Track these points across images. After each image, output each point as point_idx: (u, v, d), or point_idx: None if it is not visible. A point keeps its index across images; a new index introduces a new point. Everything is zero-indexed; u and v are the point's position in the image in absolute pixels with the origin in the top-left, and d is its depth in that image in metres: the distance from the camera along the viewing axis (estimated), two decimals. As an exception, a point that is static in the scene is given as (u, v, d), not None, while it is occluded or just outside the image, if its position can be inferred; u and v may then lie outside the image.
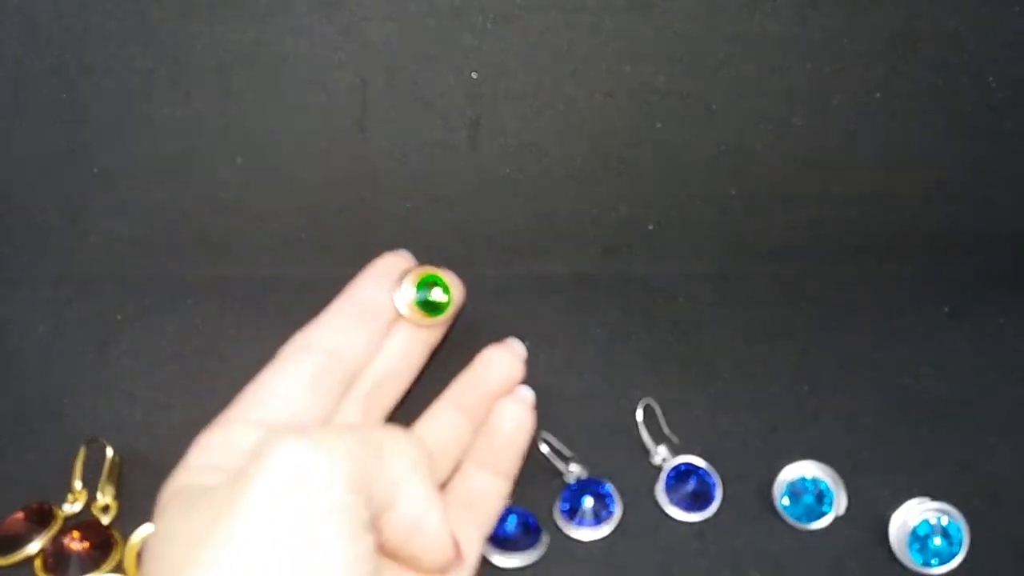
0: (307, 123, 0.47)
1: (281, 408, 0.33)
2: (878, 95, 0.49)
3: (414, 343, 0.38)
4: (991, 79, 0.49)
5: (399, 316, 0.37)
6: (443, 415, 0.37)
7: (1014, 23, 0.47)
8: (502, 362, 0.37)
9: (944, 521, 0.38)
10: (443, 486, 0.37)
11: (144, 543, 0.27)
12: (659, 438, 0.42)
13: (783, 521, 0.39)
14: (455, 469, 0.37)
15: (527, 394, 0.36)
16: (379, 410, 0.37)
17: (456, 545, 0.30)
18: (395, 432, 0.29)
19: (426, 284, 0.37)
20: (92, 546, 0.37)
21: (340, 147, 0.48)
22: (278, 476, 0.24)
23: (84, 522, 0.38)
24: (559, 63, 0.47)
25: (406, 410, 0.39)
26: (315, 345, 0.35)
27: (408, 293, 0.37)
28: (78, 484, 0.39)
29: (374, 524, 0.27)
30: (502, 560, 0.37)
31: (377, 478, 0.26)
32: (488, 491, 0.35)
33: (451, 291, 0.38)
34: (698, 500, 0.39)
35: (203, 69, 0.46)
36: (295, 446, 0.25)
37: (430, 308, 0.37)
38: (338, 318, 0.36)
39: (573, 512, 0.39)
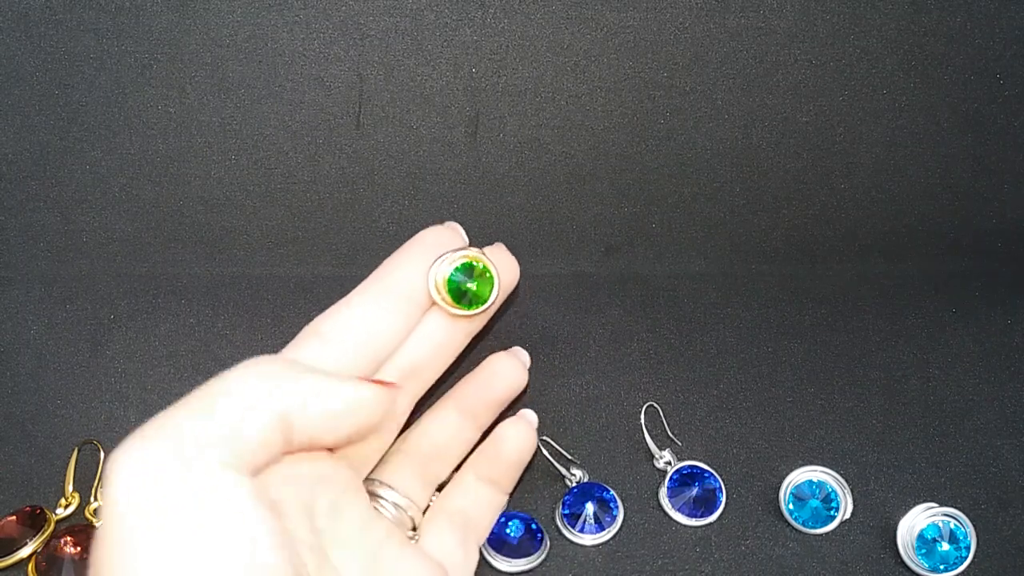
0: (303, 119, 0.47)
1: None
2: (884, 92, 0.48)
3: (451, 330, 0.34)
4: (998, 75, 0.48)
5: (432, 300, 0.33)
6: (446, 416, 0.36)
7: (1021, 19, 0.47)
8: (507, 370, 0.36)
9: (951, 525, 0.37)
10: (441, 487, 0.36)
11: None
12: (662, 441, 0.42)
13: (789, 526, 0.38)
14: (455, 474, 0.37)
15: (531, 417, 0.36)
16: (406, 400, 0.34)
17: (378, 382, 0.29)
18: (239, 372, 0.28)
19: (464, 270, 0.32)
20: (85, 550, 0.37)
21: (336, 144, 0.47)
22: (124, 481, 0.24)
23: (77, 526, 0.37)
24: (560, 58, 0.46)
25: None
26: (336, 330, 0.31)
27: (442, 277, 0.32)
28: (71, 487, 0.39)
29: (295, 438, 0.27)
30: (504, 565, 0.36)
31: (232, 423, 0.26)
32: (485, 503, 0.35)
33: (495, 282, 0.33)
34: (702, 505, 0.39)
35: (197, 64, 0.45)
36: (126, 450, 0.25)
37: (463, 298, 0.33)
38: (366, 298, 0.32)
39: (575, 517, 0.38)
